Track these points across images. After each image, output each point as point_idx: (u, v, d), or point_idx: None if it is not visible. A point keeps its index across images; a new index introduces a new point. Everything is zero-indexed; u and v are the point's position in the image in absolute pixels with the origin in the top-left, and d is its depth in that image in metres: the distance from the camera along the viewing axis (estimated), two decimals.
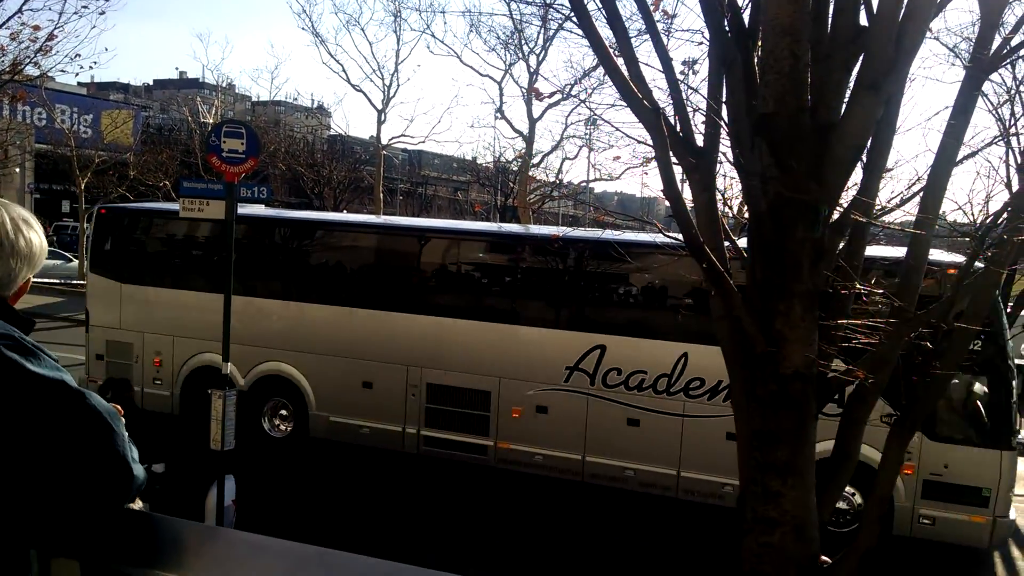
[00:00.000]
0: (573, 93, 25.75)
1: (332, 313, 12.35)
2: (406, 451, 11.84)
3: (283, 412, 12.79)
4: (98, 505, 1.78)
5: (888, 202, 5.31)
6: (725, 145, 4.97)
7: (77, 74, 57.03)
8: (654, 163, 6.17)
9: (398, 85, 51.98)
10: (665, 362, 10.49)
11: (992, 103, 9.47)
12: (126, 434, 1.82)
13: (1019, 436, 9.73)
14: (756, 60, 4.14)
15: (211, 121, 35.25)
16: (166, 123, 56.01)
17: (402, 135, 40.03)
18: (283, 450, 12.44)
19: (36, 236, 1.80)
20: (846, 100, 4.04)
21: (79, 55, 27.33)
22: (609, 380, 10.72)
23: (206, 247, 13.68)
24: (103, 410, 1.75)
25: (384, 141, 35.25)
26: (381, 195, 34.75)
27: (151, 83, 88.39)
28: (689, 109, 5.11)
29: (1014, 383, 9.21)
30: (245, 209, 13.27)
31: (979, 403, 9.37)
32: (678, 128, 4.61)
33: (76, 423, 1.69)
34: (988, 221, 4.22)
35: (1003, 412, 9.16)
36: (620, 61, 4.45)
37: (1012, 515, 9.61)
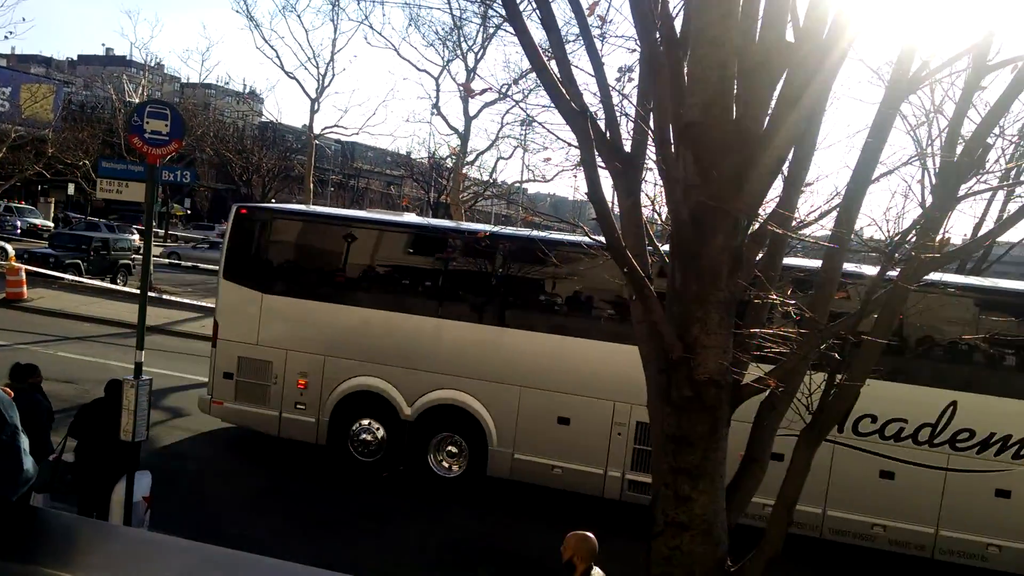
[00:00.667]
0: (509, 94, 25.83)
1: (523, 339, 11.01)
2: (606, 496, 10.72)
3: (452, 449, 11.56)
4: None
5: (807, 215, 5.45)
6: (654, 151, 5.03)
7: None
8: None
9: (333, 75, 51.32)
10: (929, 411, 9.65)
11: (911, 124, 9.85)
12: (18, 424, 1.72)
13: None
14: (684, 69, 4.19)
15: (137, 101, 34.15)
16: (89, 100, 54.10)
17: (335, 125, 39.45)
18: (455, 490, 11.37)
19: None
20: (770, 113, 4.12)
21: None
22: (861, 428, 9.80)
23: (368, 256, 12.36)
24: None
25: (317, 130, 34.70)
26: (312, 185, 34.21)
27: (75, 58, 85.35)
28: (620, 115, 5.16)
29: None
30: (421, 220, 11.91)
31: None
32: (607, 133, 4.64)
33: None
34: (897, 237, 4.36)
35: None
36: (553, 64, 4.46)
37: None
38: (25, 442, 1.80)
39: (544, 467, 10.74)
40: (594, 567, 4.99)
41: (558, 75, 4.38)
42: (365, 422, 11.65)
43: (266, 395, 11.89)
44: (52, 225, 44.50)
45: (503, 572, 9.38)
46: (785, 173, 4.70)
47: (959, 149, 4.06)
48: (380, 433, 11.68)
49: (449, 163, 34.83)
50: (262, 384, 11.92)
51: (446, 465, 11.56)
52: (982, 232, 14.69)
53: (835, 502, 9.75)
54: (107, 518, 8.30)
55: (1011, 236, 16.42)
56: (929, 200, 4.60)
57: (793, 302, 4.16)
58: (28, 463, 1.81)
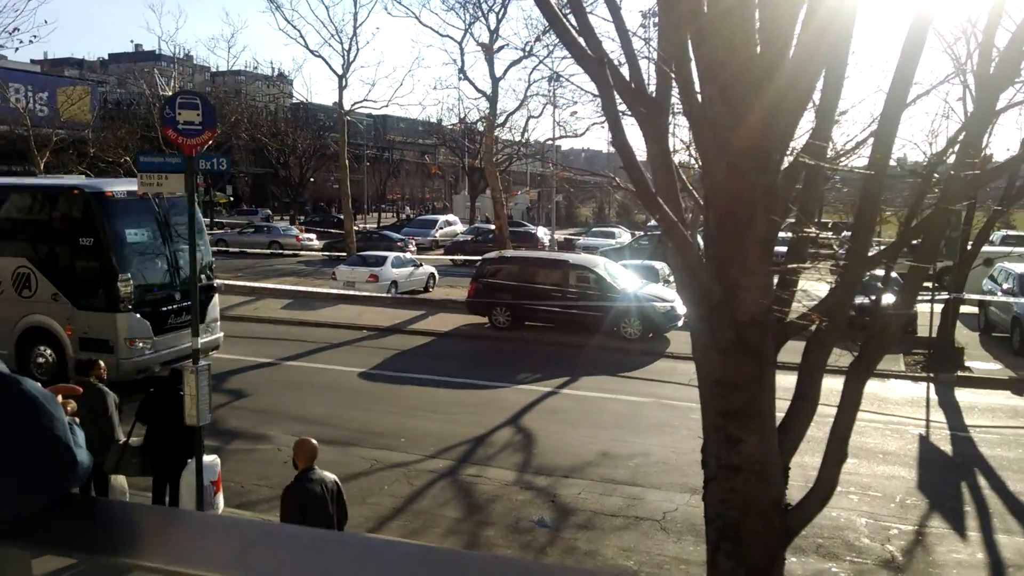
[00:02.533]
0: (533, 51, 25.49)
1: None
2: None
3: None
4: (42, 493, 1.74)
5: (843, 146, 5.31)
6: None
7: (17, 49, 55.42)
8: (627, 118, 6.13)
9: (358, 49, 51.08)
10: None
11: (947, 42, 9.46)
12: (66, 418, 1.77)
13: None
14: (704, 5, 4.09)
15: (169, 94, 34.51)
16: (124, 98, 54.87)
17: (365, 100, 39.53)
18: None
19: None
20: (794, 43, 4.00)
21: (17, 29, 26.58)
22: None
23: None
24: (38, 395, 1.71)
25: (347, 107, 34.76)
26: (347, 162, 34.37)
27: (106, 57, 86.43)
28: (644, 59, 5.07)
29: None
30: None
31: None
32: (629, 79, 4.56)
33: (9, 409, 1.65)
34: (934, 158, 4.23)
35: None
36: (572, 17, 4.39)
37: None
38: (80, 435, 1.84)
39: None
40: (315, 467, 6.61)
41: (575, 26, 4.31)
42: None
43: None
44: None
45: None
46: (816, 103, 4.58)
47: (994, 63, 3.90)
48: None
49: (480, 127, 34.62)
50: None
51: None
52: None
53: None
54: (178, 502, 8.60)
55: None
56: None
57: (832, 235, 4.08)
58: (83, 455, 1.85)
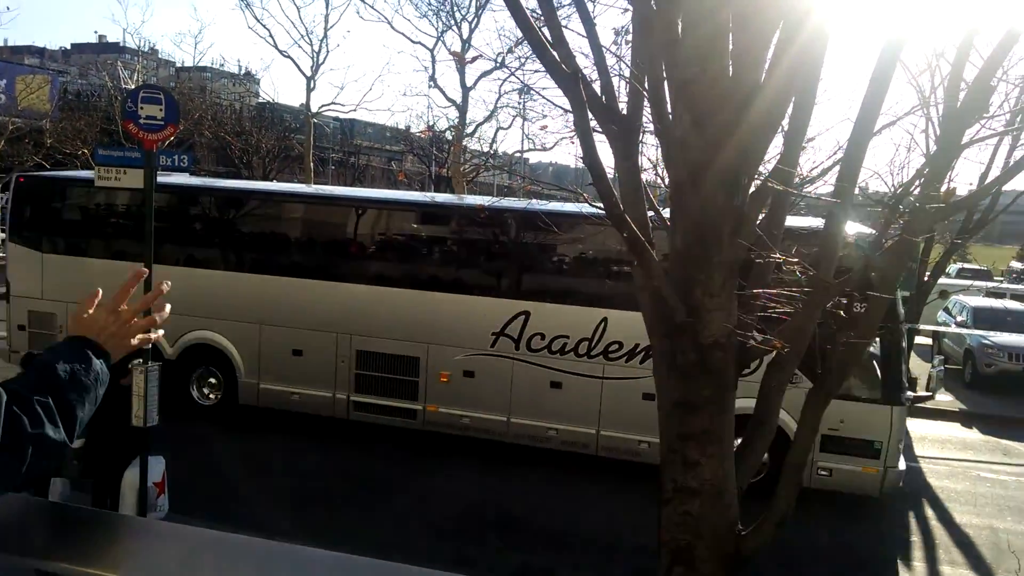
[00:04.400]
0: (504, 63, 25.55)
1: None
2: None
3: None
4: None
5: (810, 171, 5.35)
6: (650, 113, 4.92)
7: None
8: (597, 135, 6.12)
9: (327, 51, 50.84)
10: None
11: (912, 73, 9.62)
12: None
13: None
14: (678, 27, 4.08)
15: (132, 87, 33.95)
16: (85, 89, 53.81)
17: (332, 103, 39.19)
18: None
19: None
20: (766, 67, 4.02)
21: None
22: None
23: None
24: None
25: (314, 109, 34.48)
26: (312, 164, 34.04)
27: (68, 47, 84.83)
28: (616, 76, 5.05)
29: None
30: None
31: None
32: (602, 96, 4.54)
33: None
34: (900, 190, 4.27)
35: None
36: (546, 30, 4.35)
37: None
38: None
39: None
40: None
41: (549, 39, 4.27)
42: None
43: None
44: None
45: None
46: (785, 128, 4.60)
47: (962, 96, 3.95)
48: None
49: (448, 136, 34.57)
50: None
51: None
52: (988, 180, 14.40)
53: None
54: (118, 504, 8.35)
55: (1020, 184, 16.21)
56: (933, 150, 4.49)
57: (797, 260, 4.09)
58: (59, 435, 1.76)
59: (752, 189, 4.23)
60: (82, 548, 1.82)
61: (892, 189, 4.30)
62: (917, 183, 4.19)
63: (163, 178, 14.13)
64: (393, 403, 11.88)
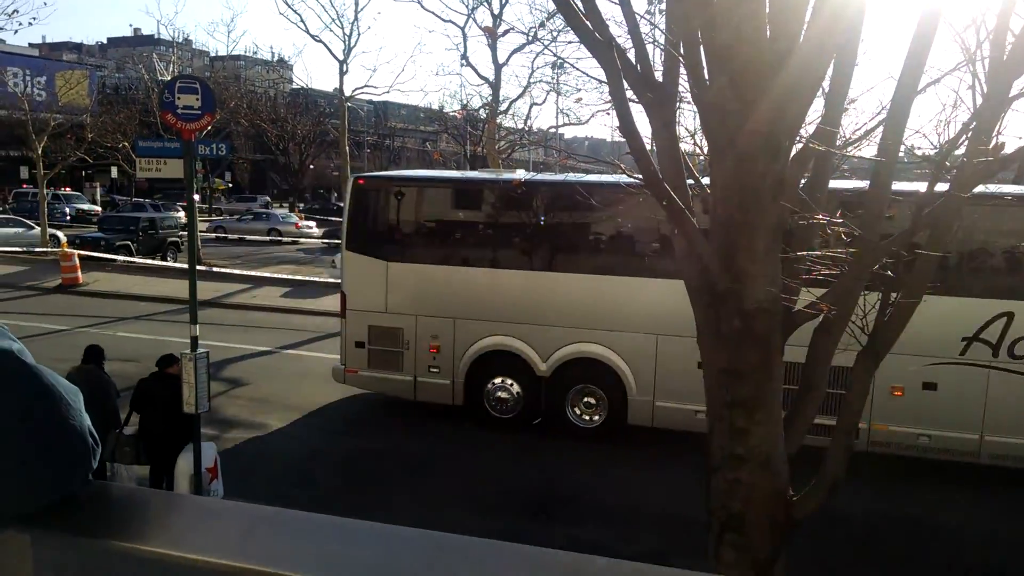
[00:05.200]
0: (537, 36, 25.37)
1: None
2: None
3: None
4: (59, 486, 1.70)
5: (853, 133, 5.25)
6: (687, 80, 4.86)
7: (16, 31, 55.38)
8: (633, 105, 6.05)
9: (359, 34, 50.95)
10: None
11: (956, 30, 9.31)
12: (82, 406, 1.73)
13: None
14: None
15: (168, 78, 34.37)
16: (122, 82, 54.67)
17: (365, 86, 39.30)
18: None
19: None
20: (805, 29, 3.94)
21: (16, 11, 26.47)
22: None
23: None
24: (57, 385, 1.67)
25: (347, 93, 34.55)
26: (347, 148, 34.22)
27: (105, 42, 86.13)
28: (650, 44, 5.00)
29: None
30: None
31: None
32: (636, 64, 4.49)
33: (25, 396, 1.60)
34: (947, 145, 4.17)
35: None
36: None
37: None
38: (88, 421, 1.81)
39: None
40: None
41: (581, 8, 4.23)
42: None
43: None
44: (99, 209, 45.39)
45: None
46: (826, 90, 4.51)
47: (1008, 48, 3.83)
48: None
49: (482, 114, 34.49)
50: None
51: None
52: None
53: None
54: (173, 489, 8.57)
55: None
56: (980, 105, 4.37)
57: (842, 222, 4.02)
58: (92, 443, 1.82)
59: (793, 152, 4.17)
60: (142, 527, 1.86)
61: (937, 147, 4.20)
62: (964, 138, 4.08)
63: (521, 174, 13.05)
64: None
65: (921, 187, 4.79)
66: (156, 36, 58.38)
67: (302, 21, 45.16)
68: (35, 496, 1.66)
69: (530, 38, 26.17)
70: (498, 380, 11.88)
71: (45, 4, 49.88)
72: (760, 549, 4.19)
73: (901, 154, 4.52)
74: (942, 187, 4.21)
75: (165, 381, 8.75)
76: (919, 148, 5.17)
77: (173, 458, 8.68)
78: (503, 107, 30.43)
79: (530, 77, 29.84)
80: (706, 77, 4.12)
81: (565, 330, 11.33)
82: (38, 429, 1.62)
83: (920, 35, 4.07)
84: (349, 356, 12.41)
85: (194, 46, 60.50)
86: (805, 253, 4.14)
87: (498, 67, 28.54)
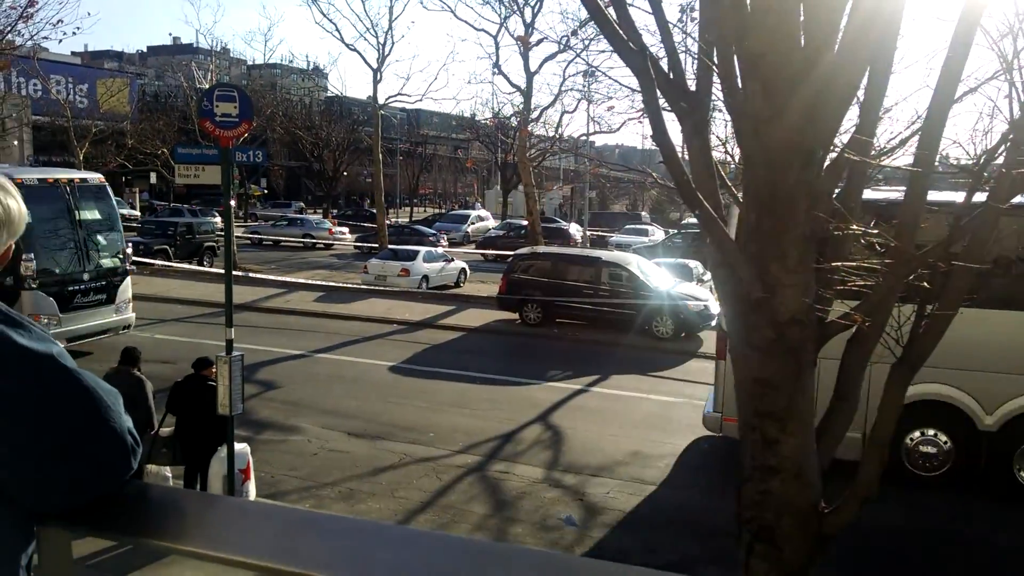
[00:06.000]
0: (569, 45, 25.39)
1: None
2: None
3: None
4: (100, 485, 1.76)
5: (888, 142, 5.20)
6: (720, 89, 4.85)
7: (60, 40, 56.93)
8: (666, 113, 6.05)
9: (392, 43, 51.19)
10: None
11: (992, 38, 9.17)
12: (122, 408, 1.79)
13: None
14: None
15: (206, 86, 34.90)
16: (162, 90, 55.64)
17: (399, 94, 39.58)
18: None
19: (14, 202, 1.75)
20: (840, 37, 3.91)
21: (61, 21, 27.14)
22: None
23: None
24: (98, 387, 1.72)
25: (381, 101, 34.87)
26: (380, 156, 34.48)
27: (145, 50, 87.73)
28: (683, 53, 5.00)
29: None
30: None
31: None
32: (669, 73, 4.49)
33: (66, 397, 1.66)
34: (984, 155, 4.12)
35: None
36: (611, 10, 4.33)
37: None
38: (129, 422, 1.87)
39: None
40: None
41: (615, 17, 4.25)
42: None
43: None
44: (139, 214, 46.20)
45: None
46: (860, 99, 4.47)
47: None
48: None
49: (514, 122, 34.55)
50: None
51: None
52: None
53: None
54: (207, 490, 8.70)
55: None
56: (1018, 115, 4.31)
57: (876, 232, 3.99)
58: (131, 441, 1.89)
59: (827, 162, 4.14)
60: (180, 527, 1.91)
61: (975, 157, 4.14)
62: (1002, 148, 4.03)
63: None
64: None
65: (955, 198, 4.74)
66: (195, 45, 59.39)
67: (337, 30, 45.81)
68: (77, 495, 1.71)
69: (562, 46, 26.22)
70: (921, 433, 10.48)
71: (89, 14, 50.97)
72: (791, 561, 4.15)
73: (937, 164, 4.47)
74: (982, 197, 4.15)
75: (200, 383, 8.90)
76: (956, 158, 5.11)
77: (207, 460, 8.81)
78: (534, 115, 30.50)
79: (561, 85, 29.75)
80: (739, 85, 4.12)
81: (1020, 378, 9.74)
82: (80, 430, 1.67)
83: (957, 43, 4.02)
84: (728, 403, 10.55)
85: (232, 55, 61.40)
86: (839, 264, 4.10)
87: (530, 75, 28.65)
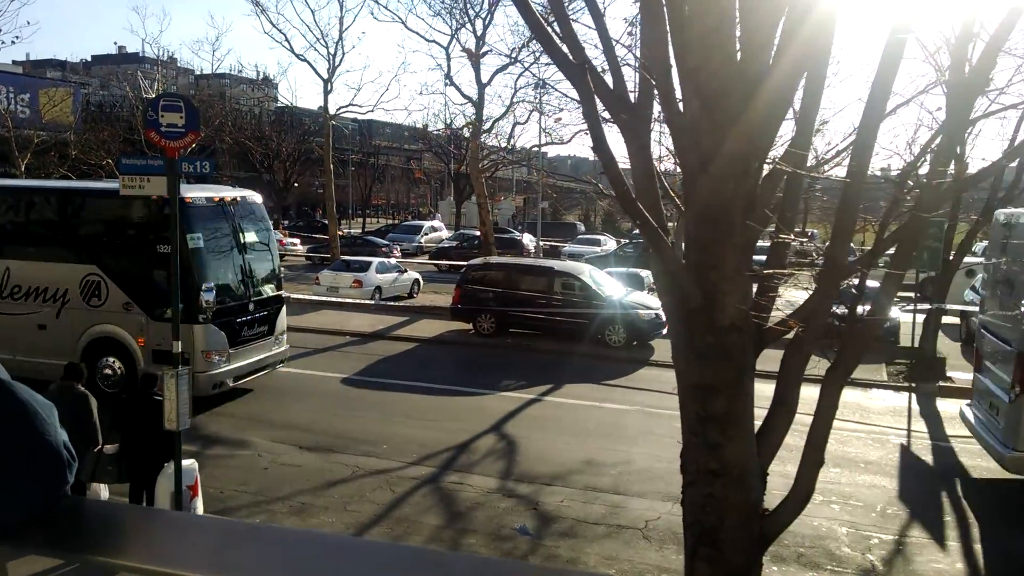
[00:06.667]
0: (518, 58, 25.57)
1: None
2: None
3: None
4: (37, 501, 1.74)
5: (824, 153, 5.37)
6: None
7: None
8: (608, 124, 6.15)
9: (343, 53, 51.05)
10: None
11: (928, 51, 9.54)
12: (57, 422, 1.78)
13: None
14: (684, 13, 4.12)
15: (152, 96, 34.35)
16: (107, 100, 54.59)
17: (350, 104, 39.37)
18: None
19: None
20: (773, 51, 4.04)
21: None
22: None
23: None
24: (34, 402, 1.71)
25: (332, 111, 34.67)
26: (332, 166, 34.26)
27: (89, 59, 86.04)
28: (626, 66, 5.10)
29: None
30: None
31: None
32: (612, 85, 4.59)
33: (5, 417, 1.64)
34: (906, 167, 4.29)
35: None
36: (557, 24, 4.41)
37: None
38: (64, 436, 1.86)
39: None
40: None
41: (558, 32, 4.33)
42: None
43: None
44: None
45: None
46: (796, 111, 4.62)
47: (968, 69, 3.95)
48: None
49: (466, 132, 34.64)
50: None
51: None
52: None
53: None
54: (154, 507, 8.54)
55: None
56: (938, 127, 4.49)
57: (810, 239, 4.12)
58: (67, 456, 1.87)
59: (764, 172, 4.27)
60: (117, 541, 1.91)
61: (903, 167, 4.32)
62: (923, 160, 4.20)
63: None
64: None
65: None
66: (141, 54, 58.39)
67: (287, 40, 45.49)
68: (12, 511, 1.69)
69: (512, 59, 26.39)
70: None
71: (28, 23, 49.84)
72: (734, 563, 4.25)
73: (876, 173, 4.63)
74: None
75: (146, 399, 8.74)
76: (889, 169, 5.29)
77: (154, 477, 8.65)
78: (486, 126, 30.61)
79: (513, 97, 29.94)
80: (678, 98, 4.23)
81: None
82: (13, 445, 1.66)
83: (887, 58, 4.19)
84: None
85: (179, 64, 60.50)
86: (775, 271, 4.23)
87: (481, 87, 28.75)
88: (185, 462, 8.70)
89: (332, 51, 33.68)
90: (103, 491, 8.99)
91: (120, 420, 8.80)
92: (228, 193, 14.95)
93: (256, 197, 15.67)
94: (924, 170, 4.31)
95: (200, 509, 9.03)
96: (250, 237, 14.72)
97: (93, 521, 2.04)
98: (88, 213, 14.58)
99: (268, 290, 15.18)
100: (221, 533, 2.05)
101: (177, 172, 8.91)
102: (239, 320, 13.99)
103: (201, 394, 12.82)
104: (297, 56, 34.70)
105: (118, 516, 2.17)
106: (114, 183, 17.64)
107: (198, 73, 64.40)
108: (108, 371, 13.86)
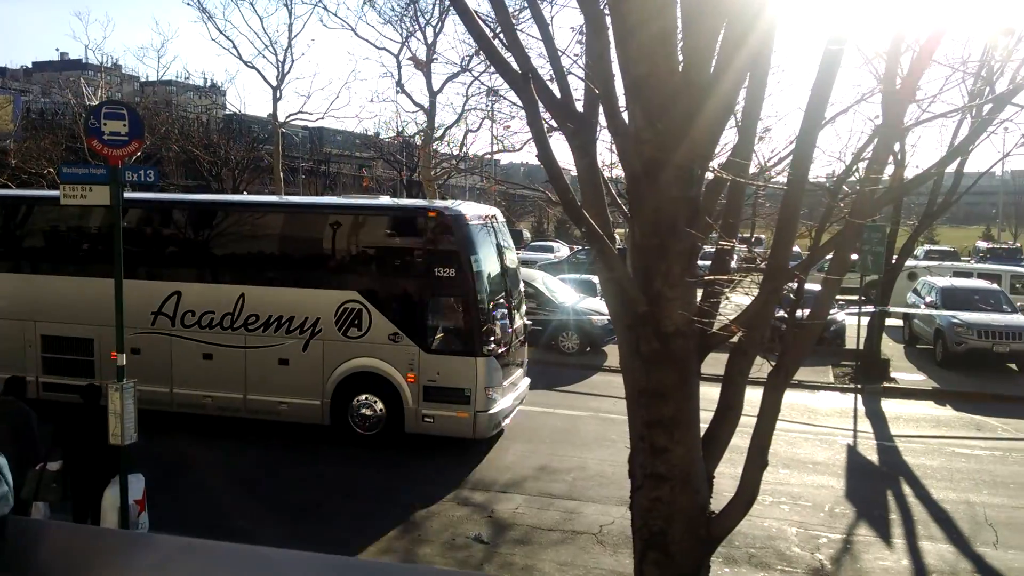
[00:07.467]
0: (468, 67, 25.61)
1: None
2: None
3: None
4: None
5: (767, 161, 5.48)
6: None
7: None
8: (557, 133, 6.20)
9: (292, 61, 50.41)
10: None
11: (867, 57, 9.76)
12: None
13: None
14: (628, 24, 4.18)
15: (96, 104, 33.64)
16: (48, 107, 53.28)
17: (300, 112, 39.03)
18: None
19: None
20: (714, 61, 4.12)
21: None
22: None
23: None
24: None
25: (281, 119, 34.31)
26: (282, 174, 33.90)
27: (30, 65, 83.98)
28: (572, 76, 5.14)
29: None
30: None
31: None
32: (559, 95, 4.63)
33: None
34: (841, 175, 4.40)
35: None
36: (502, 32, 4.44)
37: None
38: (3, 460, 1.82)
39: None
40: None
41: (505, 41, 4.36)
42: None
43: None
44: None
45: None
46: (738, 120, 4.71)
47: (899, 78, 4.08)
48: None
49: (418, 140, 34.56)
50: None
51: None
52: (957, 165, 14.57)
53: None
54: (99, 523, 8.32)
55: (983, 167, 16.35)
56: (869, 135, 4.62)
57: (752, 246, 4.20)
58: (5, 486, 1.84)
59: (707, 180, 4.35)
60: (58, 562, 1.88)
61: (837, 175, 4.43)
62: (856, 168, 4.32)
63: None
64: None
65: None
66: (84, 61, 57.14)
67: (234, 47, 44.83)
68: None
69: (463, 67, 26.43)
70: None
71: None
72: (682, 566, 4.30)
73: (822, 179, 4.74)
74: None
75: (90, 413, 8.52)
76: (832, 175, 5.42)
77: (100, 493, 8.43)
78: (438, 134, 30.56)
79: (464, 104, 29.92)
80: (622, 108, 4.29)
81: None
82: None
83: (824, 68, 4.29)
84: None
85: (123, 71, 59.41)
86: (716, 277, 4.30)
87: (432, 95, 28.69)
88: (132, 476, 8.50)
89: (281, 58, 33.27)
90: (40, 507, 8.72)
91: (63, 435, 8.56)
92: (486, 211, 13.49)
93: (500, 214, 14.12)
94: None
95: (147, 524, 8.83)
96: (509, 261, 13.38)
97: (33, 542, 2.01)
98: (347, 232, 12.72)
99: (524, 318, 13.95)
100: (162, 550, 2.04)
101: (120, 181, 8.73)
102: (504, 352, 12.40)
103: (482, 436, 11.90)
104: (245, 63, 34.43)
105: (61, 536, 2.13)
106: (363, 199, 16.05)
107: (143, 80, 63.25)
108: (367, 411, 12.26)
